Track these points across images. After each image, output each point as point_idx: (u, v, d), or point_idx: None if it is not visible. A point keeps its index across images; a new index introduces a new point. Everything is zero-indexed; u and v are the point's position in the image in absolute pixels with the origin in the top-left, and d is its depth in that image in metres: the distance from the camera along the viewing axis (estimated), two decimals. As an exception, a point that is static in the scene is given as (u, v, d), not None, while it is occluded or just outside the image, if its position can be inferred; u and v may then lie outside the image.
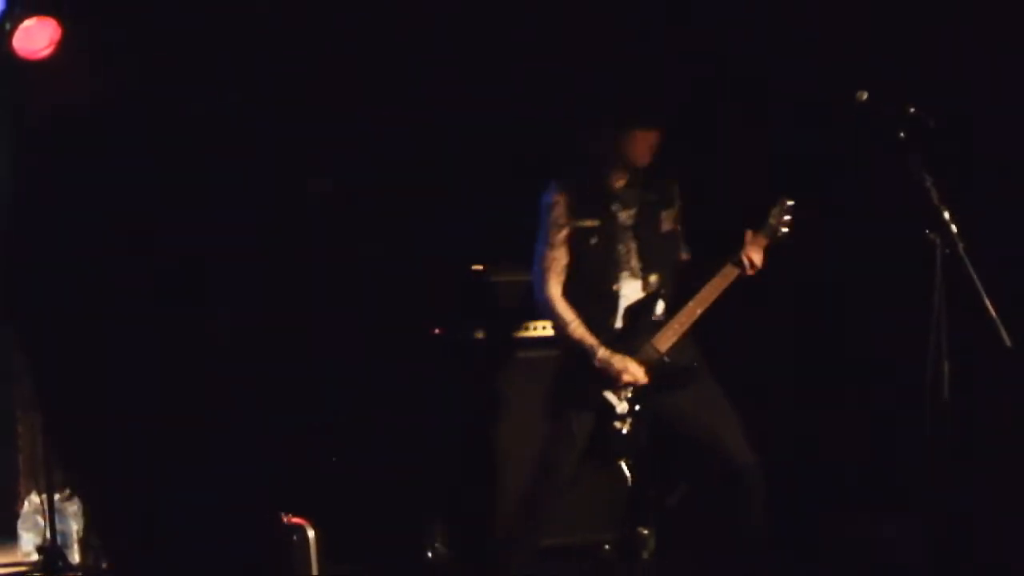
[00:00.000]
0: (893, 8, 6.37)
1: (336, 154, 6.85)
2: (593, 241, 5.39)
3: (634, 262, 5.42)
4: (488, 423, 6.33)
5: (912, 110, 4.91)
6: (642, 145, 5.35)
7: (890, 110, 4.92)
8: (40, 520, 6.37)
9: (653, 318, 5.41)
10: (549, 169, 5.55)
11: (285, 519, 6.00)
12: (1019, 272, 5.66)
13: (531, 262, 5.50)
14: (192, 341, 6.59)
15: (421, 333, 6.51)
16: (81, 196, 6.51)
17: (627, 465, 5.48)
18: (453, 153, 6.95)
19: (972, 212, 4.91)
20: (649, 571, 6.52)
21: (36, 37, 6.06)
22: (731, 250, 5.38)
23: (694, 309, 5.38)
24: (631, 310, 5.41)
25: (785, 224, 5.40)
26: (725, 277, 5.37)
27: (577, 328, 5.36)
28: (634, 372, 5.33)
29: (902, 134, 4.92)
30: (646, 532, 6.57)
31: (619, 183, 5.43)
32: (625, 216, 5.43)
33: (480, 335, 6.42)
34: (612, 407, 5.36)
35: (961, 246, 4.81)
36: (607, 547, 6.52)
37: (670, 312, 5.41)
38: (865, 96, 4.98)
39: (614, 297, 5.42)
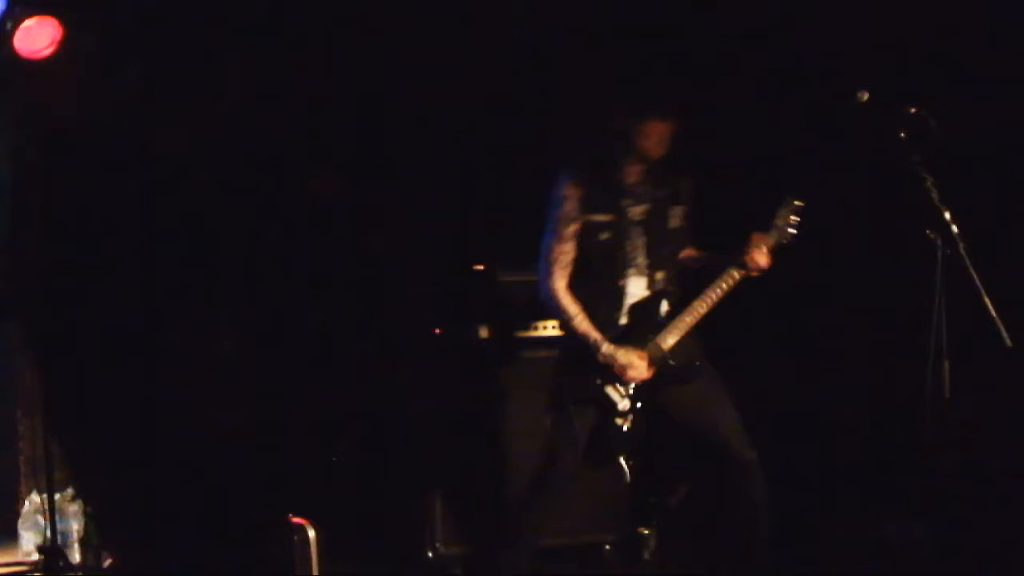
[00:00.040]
0: (893, 8, 6.37)
1: (337, 154, 6.86)
2: (603, 236, 5.36)
3: (641, 259, 5.40)
4: (490, 423, 6.34)
5: (913, 110, 4.91)
6: (655, 136, 5.31)
7: (891, 110, 4.93)
8: (40, 520, 6.36)
9: (658, 316, 5.40)
10: (550, 168, 5.54)
11: (290, 519, 5.99)
12: (1019, 272, 5.66)
13: (530, 262, 5.50)
14: (193, 341, 6.59)
15: (422, 333, 6.51)
16: (82, 196, 6.52)
17: (626, 462, 5.47)
18: (455, 153, 6.96)
19: (972, 212, 4.91)
20: (649, 571, 6.52)
21: (37, 37, 6.06)
22: (737, 250, 5.35)
23: (699, 308, 5.36)
24: (636, 307, 5.40)
25: (793, 225, 5.36)
26: (731, 278, 5.34)
27: (581, 322, 5.34)
28: (638, 368, 5.33)
29: (903, 134, 4.92)
30: (646, 532, 6.58)
31: (632, 177, 5.40)
32: (636, 212, 5.39)
33: (483, 334, 6.42)
34: (614, 403, 5.35)
35: (962, 246, 4.81)
36: (607, 547, 6.52)
37: (675, 310, 5.40)
38: (866, 96, 4.98)
39: (620, 293, 5.40)
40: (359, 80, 6.85)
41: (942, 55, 6.26)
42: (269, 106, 6.71)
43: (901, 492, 6.21)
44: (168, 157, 6.57)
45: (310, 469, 6.54)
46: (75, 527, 6.43)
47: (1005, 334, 4.79)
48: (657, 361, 5.35)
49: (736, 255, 5.34)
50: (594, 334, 5.32)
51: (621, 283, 5.40)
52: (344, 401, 6.72)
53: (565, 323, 5.41)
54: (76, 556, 6.38)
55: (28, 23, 6.03)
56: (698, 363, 5.41)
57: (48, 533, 6.22)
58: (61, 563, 6.16)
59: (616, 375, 5.32)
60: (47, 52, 6.07)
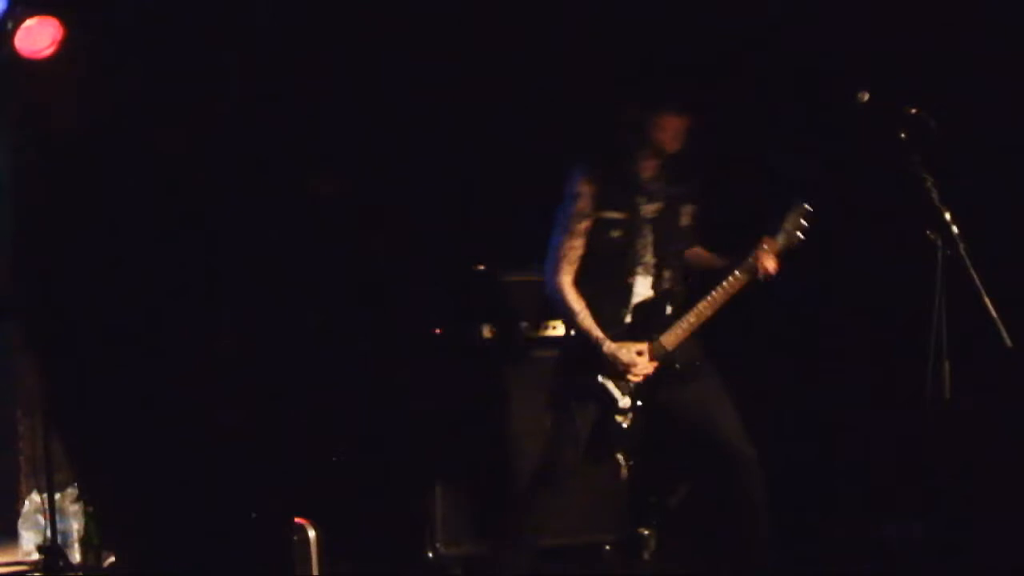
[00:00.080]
0: (893, 8, 6.37)
1: (338, 154, 6.86)
2: (614, 234, 5.35)
3: (648, 257, 5.39)
4: (491, 423, 6.34)
5: (913, 111, 4.91)
6: (670, 130, 5.29)
7: (891, 111, 4.93)
8: (41, 520, 6.36)
9: (663, 315, 5.39)
10: (550, 168, 5.54)
11: (290, 519, 5.99)
12: (1019, 272, 5.66)
13: (532, 263, 5.49)
14: (193, 341, 6.59)
15: (422, 333, 6.51)
16: (84, 195, 6.52)
17: (624, 459, 5.47)
18: (455, 153, 6.96)
19: (972, 212, 4.91)
20: (649, 571, 6.52)
21: (38, 37, 6.06)
22: (744, 253, 5.34)
23: (704, 310, 5.35)
24: (642, 305, 5.39)
25: (802, 230, 5.33)
26: (738, 281, 5.33)
27: (585, 319, 5.33)
28: (641, 366, 5.32)
29: (903, 135, 4.92)
30: (646, 532, 6.58)
31: (647, 172, 5.38)
32: (649, 210, 5.38)
33: (487, 335, 6.42)
34: (615, 400, 5.34)
35: (962, 246, 4.81)
36: (608, 547, 6.52)
37: (680, 310, 5.39)
38: (867, 97, 4.98)
39: (627, 291, 5.39)
40: (359, 80, 6.85)
41: (942, 55, 6.25)
42: (269, 106, 6.71)
43: (901, 492, 6.20)
44: (168, 157, 6.57)
45: (310, 469, 6.53)
46: (75, 527, 6.43)
47: (1005, 334, 4.79)
48: (659, 360, 5.35)
49: (743, 258, 5.32)
50: (597, 332, 5.31)
51: (629, 281, 5.39)
52: (344, 401, 6.71)
53: (569, 319, 5.40)
54: (76, 556, 6.38)
55: (29, 23, 6.03)
56: (698, 362, 5.41)
57: (48, 533, 6.22)
58: (61, 563, 6.16)
59: (618, 373, 5.32)
60: (48, 52, 6.07)
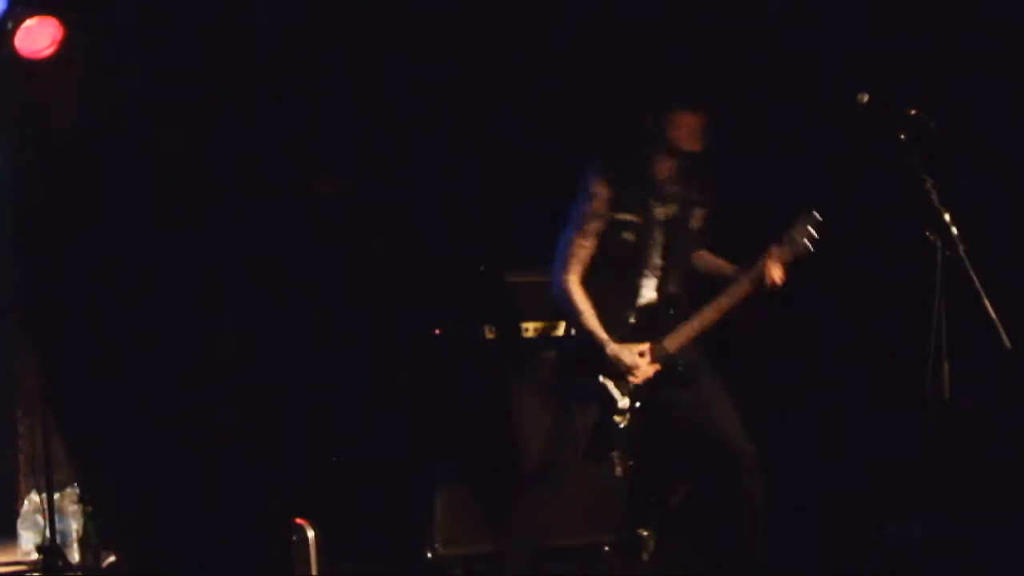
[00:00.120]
0: (893, 8, 6.37)
1: (338, 154, 6.87)
2: (626, 236, 5.31)
3: (657, 259, 5.37)
4: (492, 423, 6.34)
5: (913, 112, 4.91)
6: (686, 128, 5.26)
7: (891, 112, 4.92)
8: (40, 519, 6.36)
9: (667, 317, 5.37)
10: (551, 168, 5.53)
11: (290, 519, 6.00)
12: (1019, 274, 5.66)
13: (533, 263, 5.49)
14: (193, 341, 6.60)
15: (422, 333, 6.51)
16: (82, 195, 6.52)
17: (621, 459, 5.46)
18: (455, 153, 6.97)
19: (972, 213, 4.91)
20: (649, 571, 6.53)
21: (38, 37, 6.06)
22: (752, 261, 5.30)
23: (708, 315, 5.32)
24: (647, 308, 5.38)
25: (810, 239, 5.26)
26: (744, 288, 5.30)
27: (590, 319, 5.30)
28: (643, 368, 5.31)
29: (903, 136, 4.92)
30: (646, 533, 6.58)
31: (663, 173, 5.36)
32: (662, 212, 5.35)
33: (489, 335, 6.43)
34: (614, 400, 5.33)
35: (961, 247, 4.81)
36: (607, 548, 6.52)
37: (684, 313, 5.38)
38: (866, 98, 4.98)
39: (634, 292, 5.37)
40: (359, 80, 6.85)
41: (942, 55, 6.25)
42: (269, 106, 6.71)
43: (901, 492, 6.20)
44: (168, 157, 6.58)
45: (310, 469, 6.53)
46: (74, 527, 6.44)
47: (1005, 336, 4.79)
48: (661, 362, 5.34)
49: (750, 266, 5.30)
50: (601, 333, 5.29)
51: (636, 282, 5.37)
52: (344, 401, 6.71)
53: (573, 318, 5.37)
54: (75, 556, 6.39)
55: (29, 23, 6.03)
56: (699, 363, 5.40)
57: (47, 533, 6.22)
58: (60, 563, 6.17)
59: (619, 373, 5.31)
60: (48, 52, 6.08)
